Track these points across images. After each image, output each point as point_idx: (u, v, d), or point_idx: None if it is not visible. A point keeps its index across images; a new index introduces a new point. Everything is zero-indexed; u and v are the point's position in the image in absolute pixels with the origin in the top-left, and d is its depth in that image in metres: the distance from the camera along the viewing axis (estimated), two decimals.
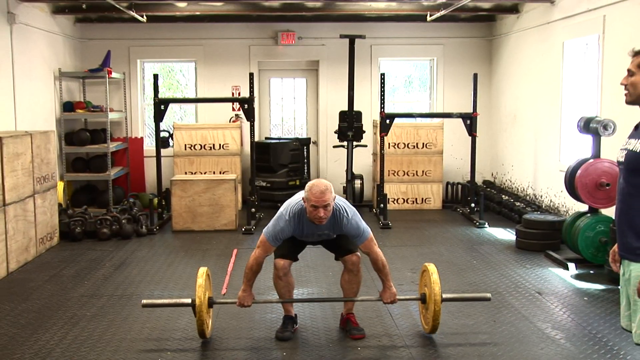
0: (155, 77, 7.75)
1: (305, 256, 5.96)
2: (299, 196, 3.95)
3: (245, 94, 8.55)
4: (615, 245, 2.90)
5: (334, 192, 3.79)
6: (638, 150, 2.60)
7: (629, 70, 2.68)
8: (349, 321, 4.21)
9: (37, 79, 7.72)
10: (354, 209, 4.00)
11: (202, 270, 4.01)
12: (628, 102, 2.73)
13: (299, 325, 4.29)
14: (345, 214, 3.87)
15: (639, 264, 2.62)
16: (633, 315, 2.67)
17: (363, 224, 3.95)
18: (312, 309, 4.65)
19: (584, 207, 5.83)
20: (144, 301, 4.19)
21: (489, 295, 4.28)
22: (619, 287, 2.82)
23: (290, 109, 10.19)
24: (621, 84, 2.73)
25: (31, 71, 7.52)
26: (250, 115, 7.62)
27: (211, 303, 3.99)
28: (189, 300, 3.93)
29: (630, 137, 2.73)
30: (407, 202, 8.90)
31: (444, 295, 3.90)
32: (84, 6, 7.94)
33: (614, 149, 2.87)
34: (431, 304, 3.90)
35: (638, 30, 5.68)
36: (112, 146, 8.54)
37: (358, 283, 4.15)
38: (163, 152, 8.11)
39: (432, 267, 4.01)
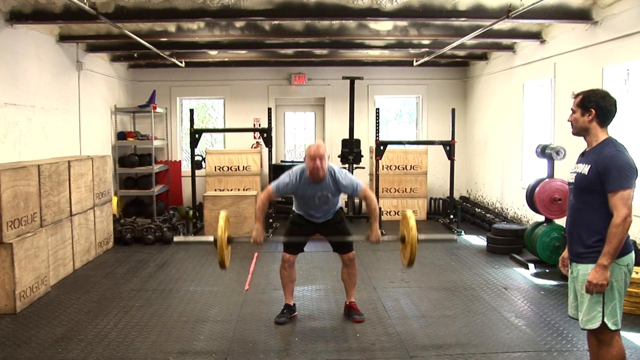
0: (191, 111, 7.86)
1: (314, 259, 6.04)
2: (302, 164, 4.08)
3: (264, 125, 8.63)
4: (565, 252, 2.96)
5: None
6: (585, 172, 2.66)
7: (572, 109, 2.77)
8: (351, 308, 4.25)
9: (98, 113, 7.82)
10: (345, 170, 4.16)
11: (223, 214, 3.86)
12: (574, 134, 2.81)
13: (298, 313, 4.30)
14: (339, 172, 4.01)
15: (584, 265, 2.68)
16: (580, 306, 2.72)
17: (355, 178, 4.09)
18: (320, 302, 4.68)
19: (541, 218, 5.83)
20: (176, 238, 4.23)
21: (455, 237, 4.31)
22: (568, 283, 2.86)
23: (301, 137, 10.22)
24: (568, 120, 2.80)
25: (93, 107, 7.62)
26: (268, 143, 7.67)
27: (229, 240, 3.86)
28: (211, 238, 3.79)
29: (578, 162, 2.79)
30: (398, 214, 8.85)
31: (420, 237, 3.83)
32: (135, 55, 8.05)
33: (565, 171, 2.94)
34: (408, 243, 3.84)
35: (581, 75, 5.78)
36: (156, 168, 8.58)
37: (355, 275, 4.26)
38: (197, 172, 8.14)
39: (409, 213, 3.90)
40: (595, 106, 2.66)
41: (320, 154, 3.87)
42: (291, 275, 4.23)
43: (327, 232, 4.17)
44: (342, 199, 8.60)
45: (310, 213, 4.14)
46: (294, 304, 4.32)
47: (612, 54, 5.25)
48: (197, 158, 8.15)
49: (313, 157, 3.86)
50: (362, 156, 8.69)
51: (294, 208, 4.25)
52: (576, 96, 2.76)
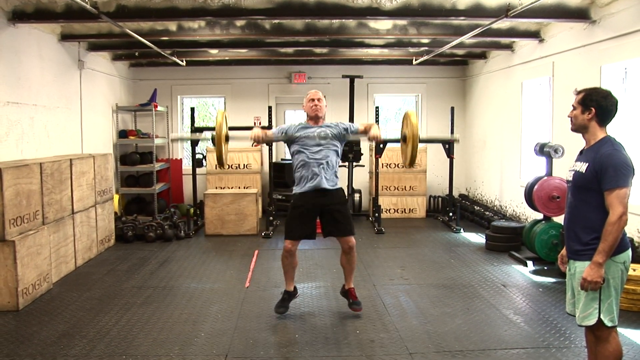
0: (192, 110, 7.87)
1: (314, 256, 6.06)
2: None
3: (265, 123, 8.62)
4: (563, 249, 2.97)
5: None
6: (583, 171, 2.68)
7: (573, 105, 2.77)
8: (350, 294, 4.28)
9: (99, 112, 7.81)
10: None
11: (220, 112, 3.98)
12: (573, 130, 2.82)
13: (298, 310, 4.31)
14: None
15: (581, 262, 2.69)
16: (577, 303, 2.73)
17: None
18: (320, 299, 4.68)
19: (539, 216, 5.84)
20: (172, 136, 4.25)
21: (457, 136, 4.34)
22: (566, 280, 2.88)
23: None
24: (568, 116, 2.81)
25: (95, 106, 7.62)
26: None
27: (227, 137, 3.95)
28: (209, 135, 3.89)
29: (576, 160, 2.80)
30: (397, 212, 8.92)
31: (420, 136, 3.83)
32: (136, 54, 8.05)
33: (563, 169, 2.95)
34: (410, 139, 3.86)
35: (579, 73, 5.77)
36: (157, 166, 8.57)
37: (354, 261, 4.27)
38: (198, 170, 8.15)
39: (411, 112, 3.91)
40: (596, 105, 2.67)
41: (319, 96, 4.16)
42: (292, 263, 4.23)
43: (329, 216, 4.15)
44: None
45: (312, 162, 4.08)
46: (295, 288, 4.34)
47: (610, 53, 5.25)
48: (198, 156, 8.16)
49: (312, 98, 4.12)
50: (362, 154, 8.68)
51: (294, 188, 4.23)
52: (578, 93, 2.76)
